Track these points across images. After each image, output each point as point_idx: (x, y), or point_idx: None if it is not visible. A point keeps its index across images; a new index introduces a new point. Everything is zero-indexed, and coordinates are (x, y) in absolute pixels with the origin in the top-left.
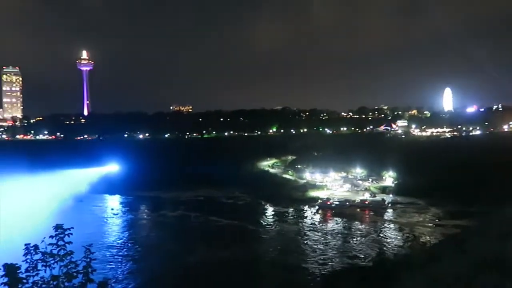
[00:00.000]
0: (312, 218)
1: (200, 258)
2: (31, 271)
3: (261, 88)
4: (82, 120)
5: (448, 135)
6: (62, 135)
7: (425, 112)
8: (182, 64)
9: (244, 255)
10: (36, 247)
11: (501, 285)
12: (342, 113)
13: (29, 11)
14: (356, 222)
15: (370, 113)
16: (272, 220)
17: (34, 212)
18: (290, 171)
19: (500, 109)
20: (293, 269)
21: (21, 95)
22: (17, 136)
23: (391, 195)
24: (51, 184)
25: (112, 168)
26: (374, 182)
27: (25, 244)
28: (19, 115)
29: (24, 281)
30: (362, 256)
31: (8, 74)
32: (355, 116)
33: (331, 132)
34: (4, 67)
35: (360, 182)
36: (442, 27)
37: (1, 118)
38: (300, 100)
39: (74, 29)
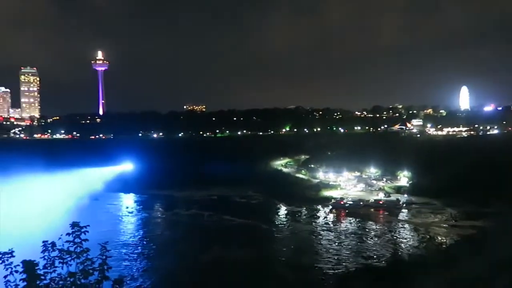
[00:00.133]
0: (325, 217)
1: (213, 256)
2: (49, 268)
3: (275, 88)
4: (98, 120)
5: (464, 134)
6: (78, 135)
7: (441, 111)
8: (195, 64)
9: (258, 254)
10: (53, 244)
11: None
12: (356, 112)
13: (46, 13)
14: (370, 222)
15: (385, 112)
16: (285, 219)
17: (51, 209)
18: (303, 171)
19: None
20: (307, 269)
21: (39, 95)
22: (35, 135)
23: (405, 195)
24: (67, 183)
25: (126, 167)
26: (388, 182)
27: (43, 241)
28: (36, 114)
29: (42, 277)
30: (376, 256)
31: (26, 75)
32: (369, 115)
33: (344, 131)
34: (22, 68)
35: (374, 181)
36: (459, 25)
37: (19, 117)
38: (314, 99)
39: (89, 30)
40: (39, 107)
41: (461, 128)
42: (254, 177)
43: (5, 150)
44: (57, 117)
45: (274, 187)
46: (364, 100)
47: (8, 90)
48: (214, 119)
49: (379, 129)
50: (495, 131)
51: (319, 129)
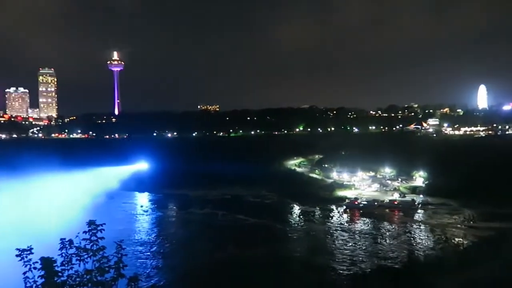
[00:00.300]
0: (339, 218)
1: (228, 256)
2: (66, 265)
3: (288, 87)
4: (113, 120)
5: (482, 134)
6: (94, 134)
7: (458, 110)
8: (209, 64)
9: (272, 253)
10: (70, 241)
11: None
12: (371, 112)
13: (63, 15)
14: (385, 223)
15: (400, 112)
16: (299, 219)
17: (68, 207)
18: (317, 170)
19: None
20: (321, 269)
21: (56, 95)
22: (52, 135)
23: (421, 196)
24: (84, 181)
25: (141, 166)
26: (403, 182)
27: (61, 239)
28: (54, 114)
29: (60, 274)
30: (392, 257)
31: (44, 75)
32: (384, 114)
33: (359, 131)
34: (40, 69)
35: (389, 182)
36: (476, 23)
37: (38, 117)
38: (328, 99)
39: (105, 31)
40: (56, 107)
41: (478, 128)
42: (267, 176)
43: (24, 149)
44: (74, 117)
45: (288, 187)
46: (379, 100)
47: (26, 90)
48: (227, 118)
49: (394, 128)
50: None
51: (333, 128)
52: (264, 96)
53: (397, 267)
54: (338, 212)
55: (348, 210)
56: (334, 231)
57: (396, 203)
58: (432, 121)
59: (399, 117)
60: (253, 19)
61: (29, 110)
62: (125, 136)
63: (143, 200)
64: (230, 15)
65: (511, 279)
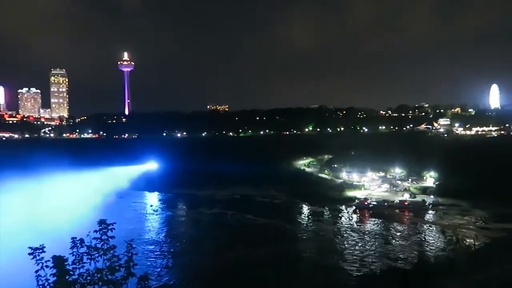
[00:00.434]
0: (349, 218)
1: (237, 255)
2: (77, 264)
3: (298, 87)
4: (123, 120)
5: (494, 134)
6: (104, 134)
7: (469, 110)
8: (218, 64)
9: (281, 253)
10: (81, 240)
11: None
12: (381, 112)
13: (74, 16)
14: (395, 223)
15: (410, 112)
16: (308, 219)
17: (79, 206)
18: (326, 170)
19: None
20: (331, 269)
21: (67, 96)
22: (64, 135)
23: (432, 196)
24: (94, 181)
25: (151, 166)
26: (414, 182)
27: (72, 238)
28: (65, 114)
29: (71, 272)
30: (402, 258)
31: (55, 76)
32: (394, 114)
33: (369, 131)
34: (52, 69)
35: (399, 182)
36: (488, 22)
37: (49, 117)
38: (337, 99)
39: (116, 32)
40: (67, 107)
41: (491, 128)
42: (276, 176)
43: (36, 149)
44: (85, 117)
45: (297, 187)
46: (389, 99)
47: (38, 91)
48: (237, 119)
49: (404, 128)
50: None
51: (342, 128)
52: (273, 96)
53: (407, 268)
54: (348, 212)
55: (357, 210)
56: (344, 232)
57: (406, 203)
58: (443, 121)
59: (410, 117)
60: (263, 19)
61: (41, 110)
62: (133, 136)
63: (152, 199)
64: (240, 15)
65: None
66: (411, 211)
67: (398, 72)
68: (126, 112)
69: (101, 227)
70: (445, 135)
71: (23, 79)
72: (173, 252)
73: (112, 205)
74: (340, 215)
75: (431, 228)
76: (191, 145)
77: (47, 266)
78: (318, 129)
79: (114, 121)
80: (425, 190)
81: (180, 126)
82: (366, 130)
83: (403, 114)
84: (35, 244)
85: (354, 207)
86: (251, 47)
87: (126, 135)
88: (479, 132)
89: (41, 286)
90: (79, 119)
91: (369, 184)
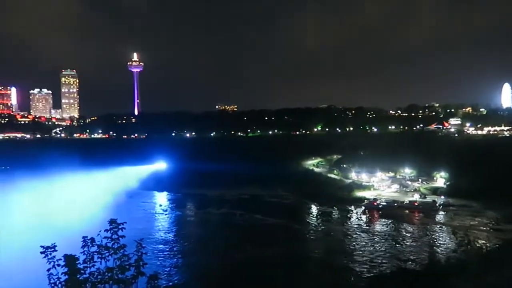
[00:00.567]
0: (358, 218)
1: (246, 255)
2: (88, 263)
3: (306, 87)
4: (133, 120)
5: (506, 133)
6: (114, 134)
7: (480, 110)
8: (227, 64)
9: (290, 254)
10: (92, 240)
11: None
12: (390, 111)
13: (85, 18)
14: (405, 224)
15: (420, 111)
16: (317, 219)
17: (89, 206)
18: (335, 171)
19: None
20: (340, 270)
21: (78, 96)
22: (74, 135)
23: (442, 197)
24: (104, 180)
25: (160, 166)
26: (424, 182)
27: (83, 237)
28: (76, 115)
29: (82, 271)
30: (412, 259)
31: (66, 77)
32: (404, 114)
33: (378, 131)
34: (62, 70)
35: (409, 182)
36: (499, 20)
37: (60, 118)
38: (346, 98)
39: (125, 33)
40: (78, 107)
41: (503, 127)
42: (285, 176)
43: (47, 149)
44: (95, 117)
45: (306, 187)
46: (399, 99)
47: (50, 91)
48: (245, 119)
49: (414, 128)
50: None
51: (351, 128)
52: (281, 96)
53: (417, 269)
54: (357, 213)
55: (367, 211)
56: (353, 232)
57: (416, 204)
58: (454, 121)
59: (420, 116)
60: (272, 19)
61: (52, 111)
62: (142, 136)
63: (161, 199)
64: (249, 15)
65: None
66: (421, 211)
67: (408, 71)
68: (136, 112)
69: (111, 226)
70: (456, 135)
71: (35, 80)
72: (182, 252)
73: (122, 205)
74: (349, 215)
75: (441, 229)
76: (200, 145)
77: (58, 265)
78: (327, 129)
79: (124, 121)
80: (435, 191)
81: (189, 126)
82: (375, 130)
83: (413, 114)
84: (47, 242)
85: (363, 208)
86: (260, 47)
87: (136, 135)
88: (491, 132)
89: (52, 285)
90: (89, 120)
91: (379, 184)
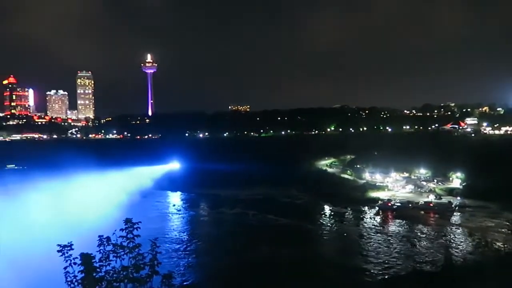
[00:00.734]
0: (372, 219)
1: (259, 255)
2: (104, 261)
3: (320, 87)
4: (147, 120)
5: None
6: (128, 135)
7: (498, 109)
8: (240, 65)
9: (304, 254)
10: (108, 239)
11: None
12: (405, 111)
13: (99, 20)
14: (420, 225)
15: (436, 111)
16: (331, 220)
17: (105, 206)
18: (348, 171)
19: None
20: (354, 271)
21: (93, 97)
22: (90, 135)
23: (458, 198)
24: (119, 180)
25: (173, 166)
26: (439, 183)
27: (99, 236)
28: (91, 115)
29: (98, 270)
30: (427, 260)
31: (82, 78)
32: (418, 114)
33: (392, 131)
34: (78, 72)
35: (424, 183)
36: None
37: (76, 118)
38: (360, 98)
39: (139, 34)
40: (93, 108)
41: None
42: (298, 177)
43: (64, 149)
44: (109, 118)
45: (319, 187)
46: (413, 99)
47: (66, 93)
48: (258, 119)
49: (430, 128)
50: None
51: (365, 128)
52: (294, 96)
53: (433, 271)
54: (371, 213)
55: (381, 211)
56: (367, 233)
57: (431, 205)
58: (470, 121)
59: (435, 116)
60: (287, 19)
61: (68, 112)
62: (154, 137)
63: (175, 199)
64: (262, 16)
65: None
66: (436, 212)
67: (423, 70)
68: (150, 113)
69: (127, 226)
70: (473, 134)
71: (51, 81)
72: (196, 251)
73: (136, 204)
74: (363, 216)
75: (457, 231)
76: (213, 146)
77: (75, 263)
78: (340, 129)
79: (138, 122)
80: (451, 191)
81: (202, 126)
82: (389, 130)
83: (428, 114)
84: (64, 240)
85: (377, 208)
86: (274, 47)
87: (149, 135)
88: (509, 132)
89: (69, 283)
90: (104, 120)
91: (393, 185)
